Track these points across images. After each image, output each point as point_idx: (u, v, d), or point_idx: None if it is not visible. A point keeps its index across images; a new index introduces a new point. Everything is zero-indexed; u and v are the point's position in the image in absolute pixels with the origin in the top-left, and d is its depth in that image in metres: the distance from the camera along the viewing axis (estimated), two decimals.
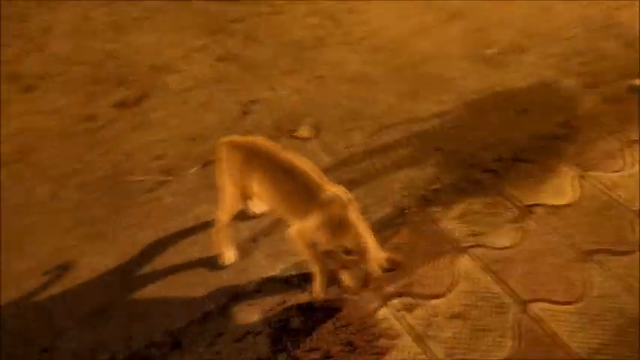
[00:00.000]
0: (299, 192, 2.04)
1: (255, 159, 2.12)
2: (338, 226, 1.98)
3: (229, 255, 2.34)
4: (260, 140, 2.19)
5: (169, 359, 2.00)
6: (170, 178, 2.75)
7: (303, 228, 2.04)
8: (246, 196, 2.23)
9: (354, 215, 2.01)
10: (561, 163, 2.86)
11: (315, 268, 2.13)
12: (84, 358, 2.01)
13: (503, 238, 2.46)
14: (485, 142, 2.99)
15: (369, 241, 2.00)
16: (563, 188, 2.72)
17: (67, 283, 2.26)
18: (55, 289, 2.23)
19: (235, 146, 2.17)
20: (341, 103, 3.25)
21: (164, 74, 3.47)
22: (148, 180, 2.74)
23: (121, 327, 2.10)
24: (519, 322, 2.13)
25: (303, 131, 3.06)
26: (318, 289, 2.15)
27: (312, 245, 2.07)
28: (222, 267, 2.31)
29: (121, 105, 3.22)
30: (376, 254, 2.00)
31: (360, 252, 1.97)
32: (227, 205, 2.26)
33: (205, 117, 3.14)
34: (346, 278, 2.07)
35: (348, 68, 3.53)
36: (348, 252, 1.99)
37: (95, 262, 2.34)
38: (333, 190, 2.03)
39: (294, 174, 2.05)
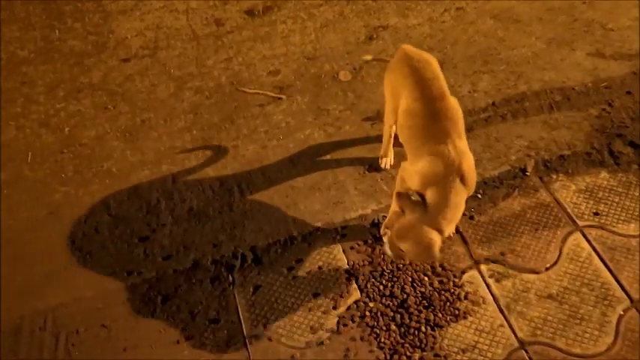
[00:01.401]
0: (426, 132, 1.88)
1: (410, 78, 1.96)
2: (435, 185, 1.80)
3: (387, 160, 2.36)
4: (429, 63, 1.99)
5: (249, 273, 2.10)
6: (283, 96, 2.74)
7: (409, 169, 1.92)
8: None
9: (455, 185, 1.80)
10: None
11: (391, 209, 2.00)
12: (174, 254, 2.17)
13: (631, 225, 2.15)
14: None
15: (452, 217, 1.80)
16: None
17: (170, 180, 2.42)
18: (160, 186, 2.40)
19: (406, 57, 2.02)
20: (476, 41, 2.94)
21: None
22: (261, 94, 2.76)
23: (211, 233, 2.23)
24: (624, 320, 1.90)
25: None
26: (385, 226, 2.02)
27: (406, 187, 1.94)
28: (381, 170, 2.36)
29: (250, 13, 3.20)
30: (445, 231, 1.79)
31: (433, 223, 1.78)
32: (387, 112, 2.19)
33: (328, 37, 3.03)
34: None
35: (495, 2, 3.14)
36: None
37: (200, 167, 2.46)
38: (455, 147, 1.83)
39: (432, 112, 1.88)
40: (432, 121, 1.88)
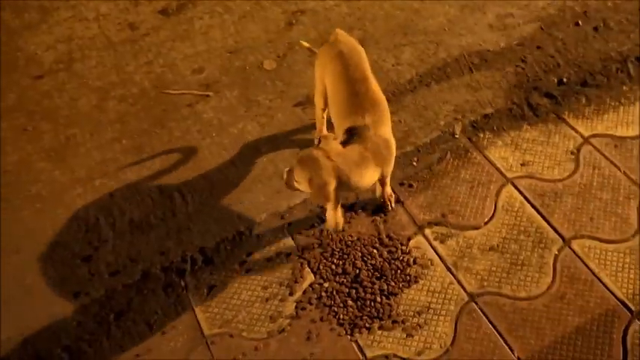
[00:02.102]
0: (347, 108, 1.96)
1: (334, 62, 2.04)
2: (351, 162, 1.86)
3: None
4: (355, 49, 2.09)
5: (201, 275, 2.08)
6: (210, 93, 2.71)
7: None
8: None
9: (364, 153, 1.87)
10: (634, 90, 2.55)
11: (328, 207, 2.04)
12: (121, 268, 2.12)
13: (555, 170, 2.29)
14: (551, 63, 2.71)
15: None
16: (631, 118, 2.45)
17: (107, 194, 2.34)
18: (96, 202, 2.33)
19: (335, 40, 2.12)
20: (393, 15, 3.00)
21: None
22: (188, 94, 2.71)
23: (157, 242, 2.19)
24: (559, 259, 2.03)
25: None
26: (328, 219, 2.08)
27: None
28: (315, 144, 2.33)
29: (164, 12, 3.12)
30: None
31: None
32: (316, 95, 2.24)
33: (248, 28, 3.00)
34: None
35: None
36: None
37: (135, 176, 2.40)
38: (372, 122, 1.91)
39: (353, 92, 1.96)
40: (353, 100, 1.95)
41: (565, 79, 2.63)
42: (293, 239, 2.15)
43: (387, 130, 1.97)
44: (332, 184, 1.80)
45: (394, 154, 1.99)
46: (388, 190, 2.18)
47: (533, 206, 2.19)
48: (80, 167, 2.44)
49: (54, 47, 2.95)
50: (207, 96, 2.70)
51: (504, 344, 1.86)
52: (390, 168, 2.01)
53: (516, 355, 1.83)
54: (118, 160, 2.46)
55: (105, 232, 2.23)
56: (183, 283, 2.06)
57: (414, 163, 2.36)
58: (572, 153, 2.34)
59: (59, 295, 2.06)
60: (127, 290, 2.06)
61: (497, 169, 2.31)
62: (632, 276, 1.99)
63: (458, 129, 2.46)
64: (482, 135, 2.44)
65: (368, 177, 1.89)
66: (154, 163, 2.44)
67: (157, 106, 2.67)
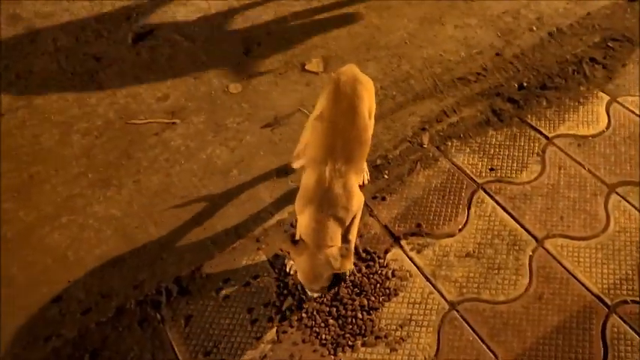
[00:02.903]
0: (319, 142, 1.90)
1: (325, 95, 1.99)
2: (308, 200, 1.85)
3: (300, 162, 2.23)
4: (358, 81, 2.00)
5: (178, 306, 2.03)
6: (177, 120, 2.68)
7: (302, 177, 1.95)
8: None
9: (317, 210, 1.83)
10: (592, 90, 2.64)
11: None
12: (93, 305, 2.06)
13: (523, 173, 2.33)
14: (511, 68, 2.78)
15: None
16: (591, 117, 2.52)
17: (76, 231, 2.28)
18: (63, 238, 2.26)
19: (343, 71, 2.04)
20: (356, 33, 3.04)
21: (172, 5, 3.29)
22: (154, 123, 2.68)
23: (130, 275, 2.13)
24: (534, 260, 2.06)
25: (313, 65, 2.89)
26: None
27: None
28: (290, 172, 2.31)
29: (124, 43, 3.10)
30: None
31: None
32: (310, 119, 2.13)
33: (211, 52, 3.00)
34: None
35: None
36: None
37: (103, 210, 2.35)
38: (334, 170, 1.84)
39: (333, 126, 1.90)
40: (329, 134, 1.90)
41: (525, 84, 2.69)
42: (270, 261, 2.13)
43: (354, 170, 1.90)
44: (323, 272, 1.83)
45: (356, 209, 1.90)
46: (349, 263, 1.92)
47: (504, 209, 2.22)
48: (46, 205, 2.38)
49: (13, 84, 2.89)
50: (174, 123, 2.68)
51: (487, 350, 1.86)
52: (349, 219, 1.89)
53: (500, 359, 1.84)
54: (84, 194, 2.41)
55: (75, 269, 2.16)
56: (159, 316, 2.01)
57: (385, 176, 2.37)
58: (537, 155, 2.39)
59: (29, 341, 1.97)
60: (101, 328, 1.99)
61: (467, 175, 2.34)
62: (605, 270, 2.02)
63: (425, 139, 2.49)
64: (449, 143, 2.47)
65: (323, 232, 1.83)
66: (122, 196, 2.39)
67: (122, 137, 2.63)
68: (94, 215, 2.33)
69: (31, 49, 3.07)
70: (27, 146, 2.61)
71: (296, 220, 1.95)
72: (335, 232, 1.83)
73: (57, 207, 2.37)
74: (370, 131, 2.12)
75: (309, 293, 1.95)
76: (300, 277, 1.87)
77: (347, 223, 1.87)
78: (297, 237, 1.94)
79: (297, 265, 1.87)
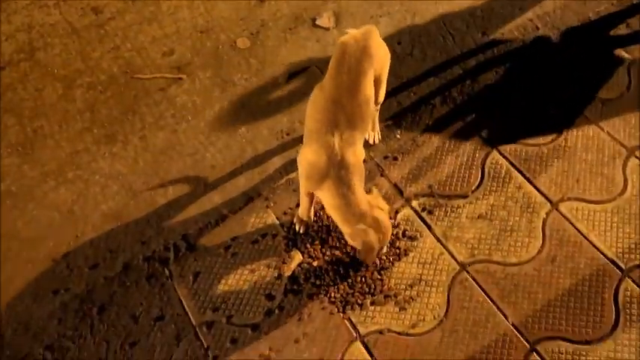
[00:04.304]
0: (321, 115, 1.81)
1: (338, 54, 1.86)
2: (322, 176, 1.77)
3: None
4: (368, 53, 1.86)
5: (186, 262, 2.01)
6: (183, 76, 2.61)
7: (301, 152, 1.88)
8: None
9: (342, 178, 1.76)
10: (618, 49, 2.53)
11: (301, 196, 1.98)
12: (101, 261, 2.04)
13: (540, 136, 2.26)
14: (530, 25, 2.68)
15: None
16: (613, 79, 2.43)
17: (82, 186, 2.25)
18: (69, 194, 2.23)
19: (346, 37, 1.91)
20: None
21: None
22: (159, 78, 2.60)
23: (137, 232, 2.11)
24: (548, 222, 2.02)
25: (324, 20, 2.79)
26: (298, 214, 2.04)
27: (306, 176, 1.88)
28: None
29: None
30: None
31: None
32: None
33: (218, 6, 2.89)
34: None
35: None
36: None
37: (108, 166, 2.31)
38: (342, 140, 1.77)
39: (335, 97, 1.81)
40: (330, 109, 1.80)
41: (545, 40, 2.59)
42: (278, 220, 2.10)
43: (358, 137, 1.83)
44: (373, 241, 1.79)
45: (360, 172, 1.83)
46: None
47: (519, 171, 2.16)
48: (50, 160, 2.33)
49: (13, 37, 2.80)
50: (180, 79, 2.60)
51: (497, 311, 1.84)
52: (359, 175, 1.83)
53: (510, 321, 1.82)
54: (89, 150, 2.36)
55: (81, 225, 2.14)
56: (167, 272, 1.99)
57: (398, 136, 2.31)
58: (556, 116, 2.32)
59: (37, 294, 1.97)
60: (109, 283, 1.98)
61: (481, 136, 2.28)
62: (620, 234, 1.98)
63: (439, 99, 2.42)
64: (466, 103, 2.40)
65: (359, 198, 1.79)
66: (128, 152, 2.35)
67: (127, 92, 2.57)
68: (100, 171, 2.29)
69: (30, 0, 2.96)
70: (29, 100, 2.55)
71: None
72: (361, 197, 1.78)
73: (61, 162, 2.33)
74: (381, 98, 2.05)
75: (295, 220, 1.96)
76: (369, 256, 1.84)
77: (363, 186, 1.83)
78: (297, 219, 1.99)
79: (363, 249, 1.80)
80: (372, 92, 1.90)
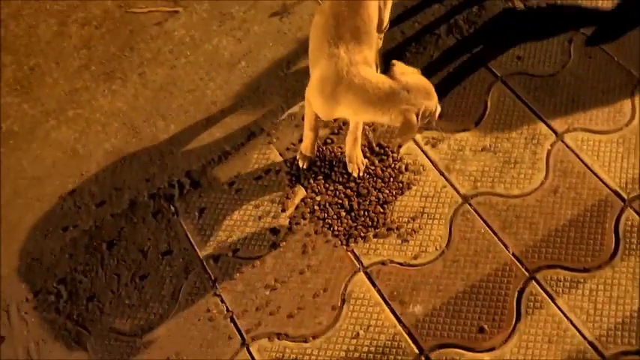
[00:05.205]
0: (325, 32, 1.75)
1: None
2: (335, 86, 1.70)
3: None
4: None
5: (191, 199, 2.04)
6: (179, 9, 2.52)
7: (309, 83, 1.83)
8: None
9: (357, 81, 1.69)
10: None
11: (305, 131, 1.97)
12: (107, 198, 2.07)
13: (547, 64, 2.20)
14: None
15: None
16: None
17: (83, 124, 2.24)
18: (71, 132, 2.22)
19: None
20: None
21: None
22: (155, 12, 2.52)
23: (141, 169, 2.12)
24: (552, 154, 2.00)
25: None
26: (301, 149, 2.02)
27: (313, 110, 1.86)
28: None
29: None
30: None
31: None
32: None
33: None
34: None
35: None
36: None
37: (108, 103, 2.28)
38: (348, 52, 1.70)
39: (337, 12, 1.74)
40: (333, 22, 1.74)
41: None
42: (281, 155, 2.09)
43: (366, 55, 1.74)
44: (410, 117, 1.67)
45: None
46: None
47: (524, 102, 2.12)
48: (49, 98, 2.31)
49: None
50: (176, 12, 2.52)
51: (498, 241, 1.87)
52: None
53: (511, 251, 1.85)
54: (88, 88, 2.33)
55: (85, 163, 2.15)
56: (172, 209, 2.02)
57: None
58: (565, 44, 2.24)
59: (47, 231, 2.02)
60: (117, 220, 2.02)
61: (488, 66, 2.22)
62: (624, 165, 1.97)
63: (445, 30, 2.33)
64: (473, 33, 2.32)
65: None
66: (127, 89, 2.32)
67: (123, 27, 2.49)
68: (100, 109, 2.27)
69: None
70: (24, 37, 2.49)
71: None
72: (381, 78, 1.69)
73: (61, 101, 2.31)
74: (385, 24, 1.97)
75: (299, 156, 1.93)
76: (411, 132, 1.73)
77: None
78: (300, 155, 1.98)
79: (404, 126, 1.68)
80: (376, 13, 1.84)
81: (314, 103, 1.82)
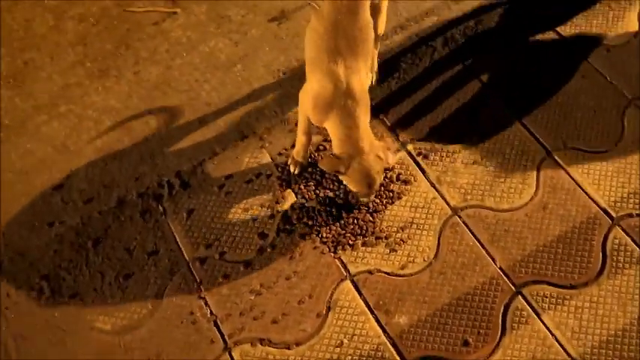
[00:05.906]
0: (322, 43, 1.75)
1: None
2: (328, 105, 1.74)
3: None
4: None
5: (180, 199, 2.02)
6: (177, 9, 2.52)
7: (304, 88, 1.84)
8: None
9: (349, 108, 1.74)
10: None
11: (298, 135, 1.97)
12: (95, 195, 2.05)
13: (541, 81, 2.21)
14: None
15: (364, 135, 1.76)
16: (623, 23, 2.35)
17: (75, 120, 2.22)
18: (62, 127, 2.21)
19: None
20: None
21: None
22: (153, 11, 2.52)
23: (131, 168, 2.10)
24: (542, 170, 2.01)
25: None
26: (293, 154, 2.03)
27: (305, 114, 1.87)
28: None
29: None
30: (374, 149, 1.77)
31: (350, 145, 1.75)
32: None
33: None
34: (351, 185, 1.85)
35: None
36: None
37: (101, 100, 2.27)
38: (346, 68, 1.72)
39: (334, 23, 1.74)
40: (331, 35, 1.74)
41: None
42: (273, 159, 2.09)
43: (362, 66, 1.77)
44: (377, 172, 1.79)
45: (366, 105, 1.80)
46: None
47: (517, 117, 2.13)
48: (42, 93, 2.30)
49: None
50: (175, 13, 2.52)
51: (486, 254, 1.87)
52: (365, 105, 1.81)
53: (498, 264, 1.85)
54: (82, 84, 2.32)
55: (75, 159, 2.13)
56: (161, 209, 2.00)
57: (395, 79, 2.26)
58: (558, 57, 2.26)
59: (33, 225, 1.99)
60: (104, 217, 2.00)
61: (482, 80, 2.23)
62: (614, 183, 1.98)
63: (439, 42, 2.35)
64: (464, 45, 2.33)
65: (364, 128, 1.78)
66: (121, 87, 2.31)
67: (120, 25, 2.49)
68: (93, 105, 2.26)
69: None
70: (19, 31, 2.48)
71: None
72: (367, 129, 1.77)
73: (54, 96, 2.29)
74: (381, 29, 1.98)
75: (361, 199, 1.92)
76: (356, 187, 1.81)
77: (369, 117, 1.81)
78: (292, 160, 1.98)
79: (350, 178, 1.79)
80: (370, 17, 1.84)
81: (306, 109, 1.83)
